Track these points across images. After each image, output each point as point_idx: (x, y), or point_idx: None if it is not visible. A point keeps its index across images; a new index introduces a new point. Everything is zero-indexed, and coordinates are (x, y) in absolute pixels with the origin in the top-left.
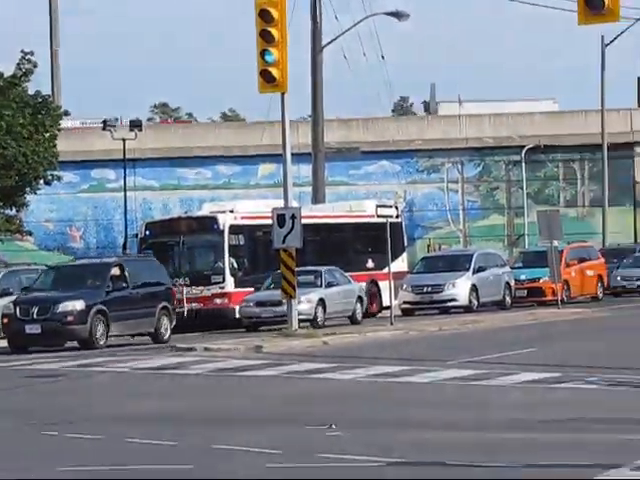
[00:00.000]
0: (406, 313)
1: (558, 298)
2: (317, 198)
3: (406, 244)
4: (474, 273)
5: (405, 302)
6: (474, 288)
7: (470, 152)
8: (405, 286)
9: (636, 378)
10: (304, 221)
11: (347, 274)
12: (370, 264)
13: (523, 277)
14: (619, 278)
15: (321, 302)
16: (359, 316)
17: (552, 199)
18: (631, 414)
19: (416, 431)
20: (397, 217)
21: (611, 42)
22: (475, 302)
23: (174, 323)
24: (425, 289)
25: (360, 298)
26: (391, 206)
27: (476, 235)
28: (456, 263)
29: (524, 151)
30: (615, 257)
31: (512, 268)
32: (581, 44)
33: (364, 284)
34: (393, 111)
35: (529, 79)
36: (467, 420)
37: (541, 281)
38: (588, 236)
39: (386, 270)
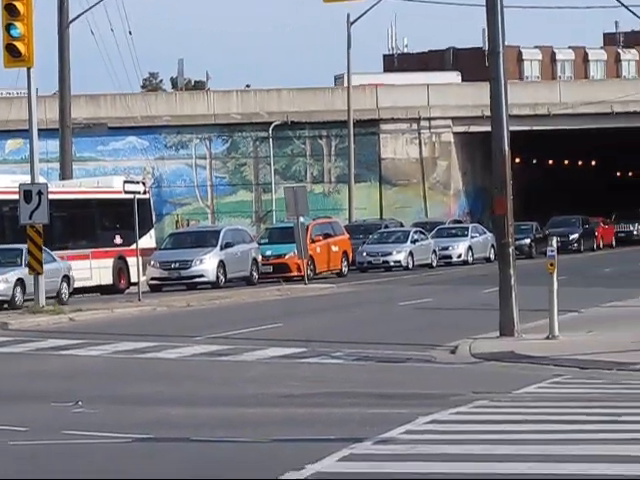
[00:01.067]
0: (154, 289)
1: (304, 274)
2: (65, 174)
3: (154, 220)
4: (222, 249)
5: (153, 278)
6: (221, 264)
7: (218, 128)
8: (153, 262)
9: (380, 353)
10: (51, 197)
11: (95, 250)
12: (118, 240)
13: (269, 253)
14: (365, 254)
15: (20, 282)
16: (65, 296)
17: (299, 175)
18: (374, 389)
19: (162, 407)
20: (145, 193)
21: (355, 21)
22: (222, 278)
23: None
24: (173, 265)
25: (67, 277)
26: (139, 182)
27: (224, 211)
28: (204, 239)
29: (271, 127)
30: (361, 233)
31: (259, 244)
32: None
33: (71, 263)
34: (142, 87)
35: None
36: (212, 396)
37: (287, 257)
38: (335, 212)
39: (134, 246)
